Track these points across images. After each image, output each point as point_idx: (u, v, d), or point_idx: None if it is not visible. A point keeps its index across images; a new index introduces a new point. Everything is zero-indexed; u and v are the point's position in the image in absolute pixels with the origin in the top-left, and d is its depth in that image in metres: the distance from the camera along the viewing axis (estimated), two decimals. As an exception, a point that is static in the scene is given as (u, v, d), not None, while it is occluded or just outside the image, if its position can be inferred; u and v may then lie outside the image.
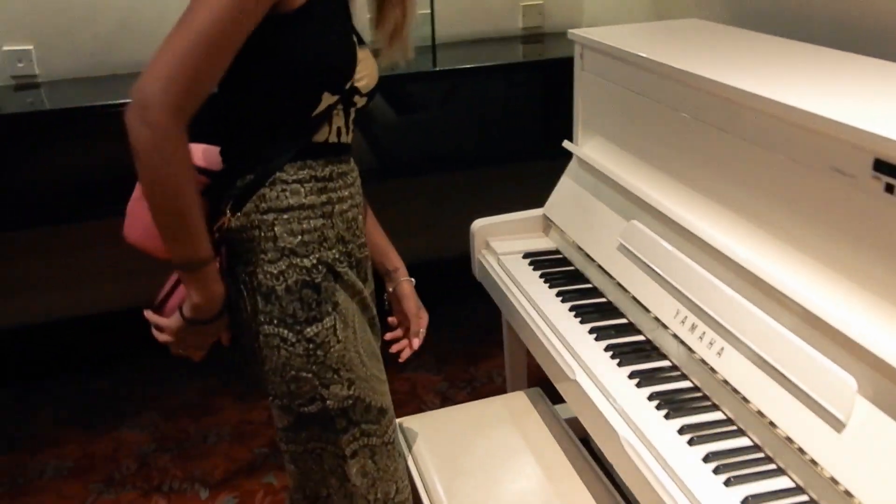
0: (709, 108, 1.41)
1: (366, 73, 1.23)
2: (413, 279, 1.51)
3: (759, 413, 1.20)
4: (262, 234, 1.18)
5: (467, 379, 1.98)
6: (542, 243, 1.92)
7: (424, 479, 1.51)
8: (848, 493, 1.04)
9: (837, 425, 1.07)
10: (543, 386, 1.73)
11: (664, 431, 1.24)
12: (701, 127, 1.45)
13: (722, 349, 1.30)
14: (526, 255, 1.86)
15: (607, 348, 1.47)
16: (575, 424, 1.62)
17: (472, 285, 1.98)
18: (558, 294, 1.68)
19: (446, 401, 2.36)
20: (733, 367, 1.27)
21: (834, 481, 1.06)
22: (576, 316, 1.59)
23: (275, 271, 1.18)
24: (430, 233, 2.92)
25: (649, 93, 1.61)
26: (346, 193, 1.25)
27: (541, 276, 1.76)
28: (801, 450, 1.12)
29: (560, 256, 1.84)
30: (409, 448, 1.60)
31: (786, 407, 1.15)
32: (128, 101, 1.02)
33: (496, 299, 1.85)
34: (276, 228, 1.18)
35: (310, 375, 1.19)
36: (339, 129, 1.22)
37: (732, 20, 2.00)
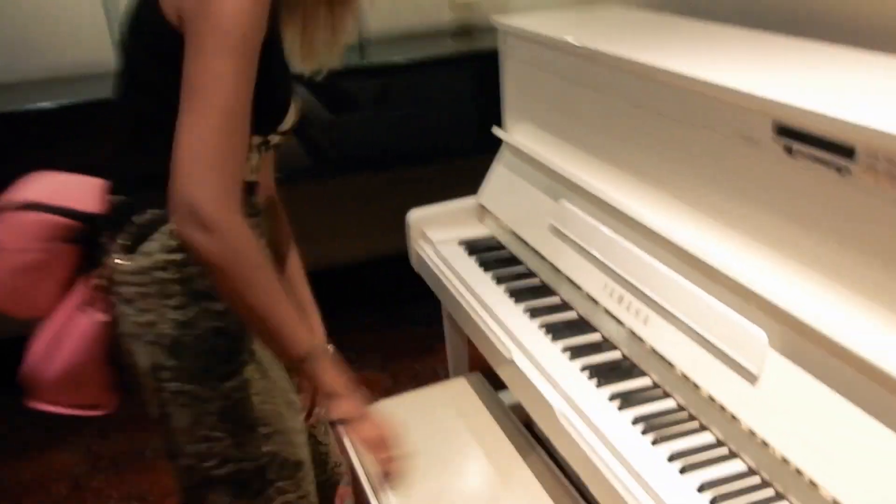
0: (626, 87, 1.46)
1: (292, 112, 1.16)
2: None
3: (683, 376, 1.24)
4: (170, 276, 1.04)
5: (412, 374, 1.99)
6: (478, 230, 1.95)
7: (367, 469, 1.52)
8: (764, 443, 1.09)
9: (751, 378, 1.12)
10: (486, 375, 1.75)
11: (595, 400, 1.28)
12: (619, 105, 1.50)
13: (647, 318, 1.34)
14: (461, 243, 1.89)
15: (541, 326, 1.50)
16: (518, 410, 1.65)
17: (415, 282, 1.99)
18: (493, 278, 1.71)
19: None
20: (658, 335, 1.31)
21: (752, 433, 1.11)
22: (511, 297, 1.62)
23: (183, 319, 1.04)
24: (368, 231, 2.93)
25: (571, 76, 1.65)
26: (258, 232, 1.15)
27: (476, 262, 1.79)
28: (721, 407, 1.16)
29: (495, 242, 1.88)
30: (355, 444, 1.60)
31: (705, 366, 1.20)
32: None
33: (434, 288, 1.87)
34: (188, 269, 1.04)
35: (224, 434, 1.08)
36: (252, 166, 1.14)
37: (650, 4, 2.06)
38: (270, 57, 1.00)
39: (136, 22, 1.05)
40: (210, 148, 0.90)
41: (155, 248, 1.05)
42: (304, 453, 1.17)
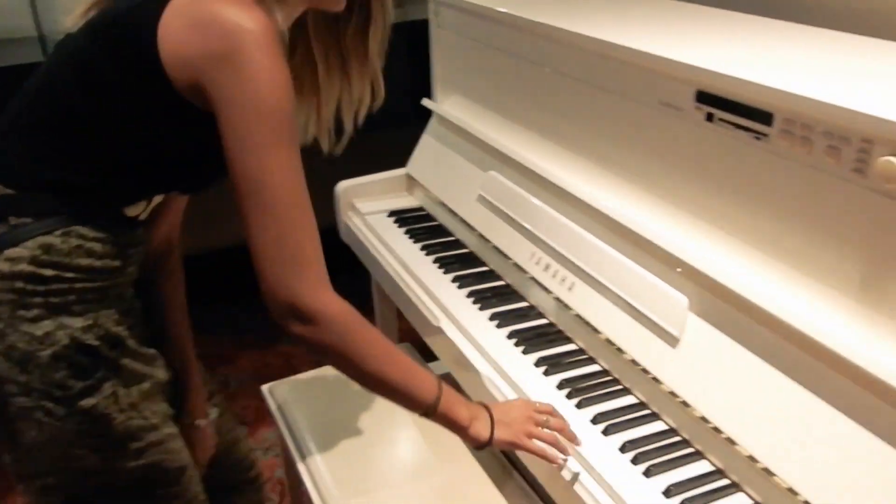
0: (554, 56, 1.47)
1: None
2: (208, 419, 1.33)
3: (608, 341, 1.26)
4: (31, 288, 0.96)
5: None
6: (407, 201, 1.94)
7: (298, 442, 1.49)
8: (685, 404, 1.12)
9: (672, 341, 1.14)
10: (416, 347, 1.75)
11: (522, 366, 1.29)
12: (547, 75, 1.50)
13: (573, 285, 1.36)
14: (391, 214, 1.87)
15: (469, 294, 1.51)
16: (448, 380, 1.65)
17: (345, 256, 1.96)
18: (422, 248, 1.70)
19: (322, 371, 2.34)
20: (583, 301, 1.33)
21: (673, 394, 1.14)
22: (440, 267, 1.62)
23: (38, 333, 0.96)
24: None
25: (499, 45, 1.65)
26: (132, 270, 1.09)
27: (405, 233, 1.77)
28: (644, 370, 1.19)
29: (424, 213, 1.87)
30: (282, 413, 1.58)
31: (628, 331, 1.22)
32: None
33: (363, 259, 1.85)
34: (52, 284, 0.97)
35: (85, 452, 1.00)
36: (152, 208, 1.10)
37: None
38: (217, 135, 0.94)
39: (114, 42, 0.95)
40: (290, 246, 0.91)
41: (23, 257, 0.96)
42: (185, 456, 1.12)
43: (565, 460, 1.07)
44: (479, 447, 1.08)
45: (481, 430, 1.06)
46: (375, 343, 1.00)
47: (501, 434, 1.06)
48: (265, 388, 1.65)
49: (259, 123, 0.89)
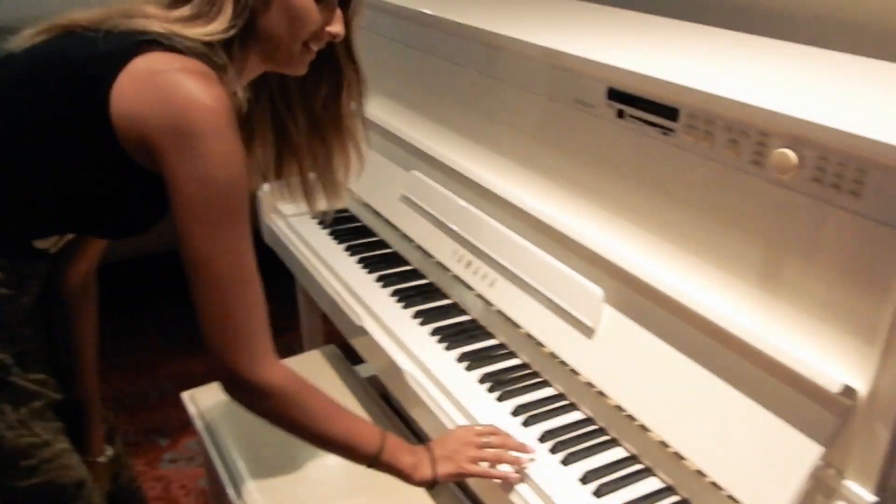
0: (472, 56, 1.49)
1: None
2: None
3: (528, 335, 1.29)
4: None
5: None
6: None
7: (220, 450, 1.46)
8: (601, 394, 1.14)
9: (589, 332, 1.17)
10: (343, 351, 1.74)
11: (445, 362, 1.30)
12: (466, 75, 1.52)
13: (494, 281, 1.38)
14: (314, 216, 1.86)
15: (393, 293, 1.51)
16: (375, 383, 1.65)
17: (269, 259, 1.94)
18: (346, 249, 1.70)
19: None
20: (504, 297, 1.35)
21: (590, 385, 1.16)
22: (363, 267, 1.62)
23: None
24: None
25: (419, 45, 1.66)
26: (27, 300, 1.06)
27: (329, 234, 1.76)
28: (562, 362, 1.21)
29: (348, 214, 1.86)
30: (204, 421, 1.55)
31: (547, 324, 1.25)
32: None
33: (286, 261, 1.83)
34: None
35: None
36: (64, 243, 1.07)
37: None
38: (154, 193, 0.94)
39: (63, 84, 0.92)
40: (234, 321, 0.93)
41: None
42: (82, 471, 1.09)
43: (518, 473, 1.07)
44: (427, 487, 1.10)
45: (425, 471, 1.07)
46: (317, 407, 1.03)
47: (444, 469, 1.08)
48: (186, 395, 1.62)
49: (209, 202, 0.89)
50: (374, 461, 1.05)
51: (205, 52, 0.92)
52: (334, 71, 1.12)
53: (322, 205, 1.25)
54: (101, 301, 1.27)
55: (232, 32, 0.94)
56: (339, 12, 1.03)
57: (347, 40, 1.09)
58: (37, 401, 1.03)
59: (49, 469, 1.02)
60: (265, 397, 0.97)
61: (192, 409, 1.57)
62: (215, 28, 0.93)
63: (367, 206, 1.80)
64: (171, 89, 0.87)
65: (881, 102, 0.95)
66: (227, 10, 0.94)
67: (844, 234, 0.86)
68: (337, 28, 1.02)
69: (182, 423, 2.20)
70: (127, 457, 1.35)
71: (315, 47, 1.03)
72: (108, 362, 2.52)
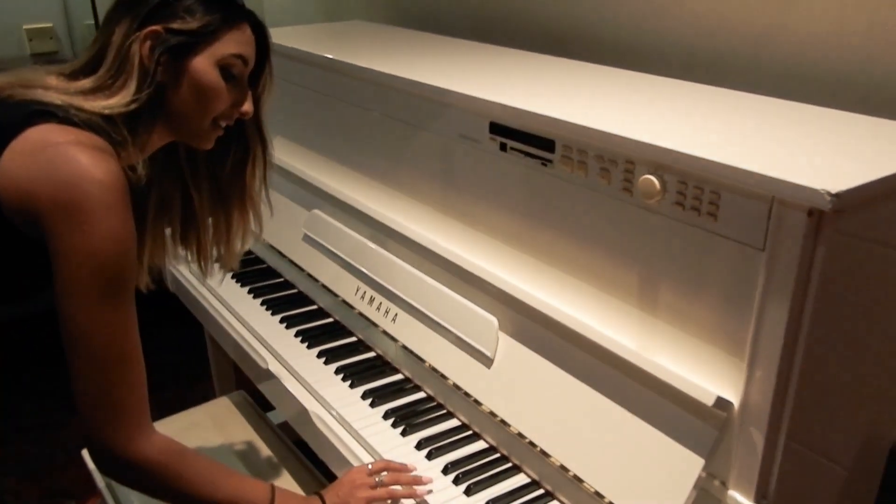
0: (363, 95, 1.51)
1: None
2: None
3: (432, 368, 1.30)
4: None
5: (182, 402, 1.91)
6: (235, 246, 1.90)
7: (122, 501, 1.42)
8: (504, 422, 1.16)
9: (487, 362, 1.19)
10: (255, 398, 1.71)
11: (349, 401, 1.30)
12: (359, 113, 1.54)
13: (396, 315, 1.39)
14: (219, 263, 1.83)
15: (297, 334, 1.50)
16: (287, 429, 1.62)
17: (177, 307, 1.90)
18: (250, 292, 1.68)
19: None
20: (406, 330, 1.36)
21: (492, 414, 1.18)
22: (267, 309, 1.60)
23: None
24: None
25: (316, 87, 1.68)
26: None
27: (233, 278, 1.74)
28: (466, 393, 1.23)
29: (252, 256, 1.84)
30: (106, 480, 1.49)
31: (447, 356, 1.26)
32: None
33: (191, 308, 1.80)
34: None
35: None
36: None
37: (392, 20, 2.15)
38: (34, 262, 0.93)
39: None
40: (111, 398, 0.91)
41: None
42: None
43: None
44: None
45: None
46: (199, 474, 1.01)
47: None
48: (86, 452, 1.56)
49: (92, 277, 0.88)
50: None
51: (102, 126, 0.92)
52: (241, 144, 1.13)
53: (215, 272, 1.27)
54: (1, 362, 1.22)
55: (134, 107, 0.95)
56: (248, 91, 1.04)
57: (256, 116, 1.10)
58: None
59: None
60: (143, 471, 0.96)
61: (91, 467, 1.51)
62: (117, 102, 0.94)
63: (270, 247, 1.79)
64: (60, 161, 0.87)
65: (736, 131, 1.01)
66: (131, 86, 0.94)
67: (707, 254, 0.91)
68: (247, 107, 1.05)
69: (89, 486, 2.11)
70: None
71: (224, 124, 1.05)
72: (10, 424, 2.41)
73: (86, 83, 0.94)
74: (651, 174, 0.94)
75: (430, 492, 1.08)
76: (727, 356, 0.93)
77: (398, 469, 1.11)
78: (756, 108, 1.13)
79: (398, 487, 1.09)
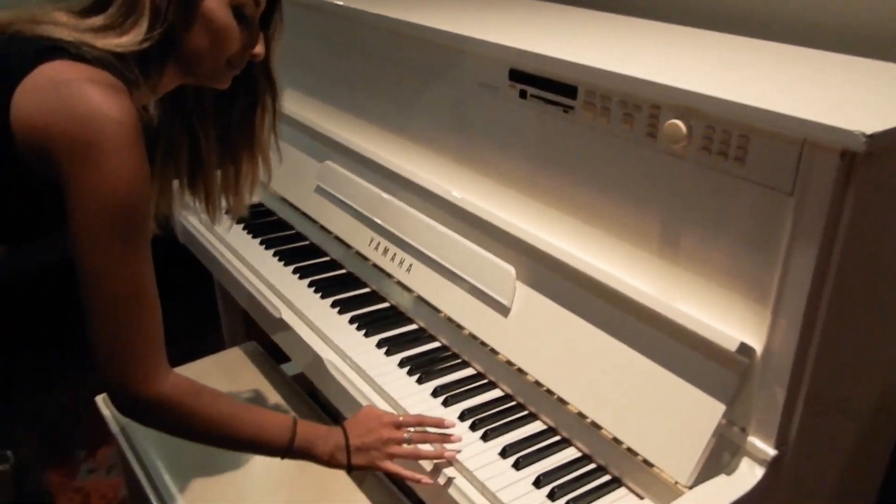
0: (379, 44, 1.49)
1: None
2: None
3: (448, 318, 1.30)
4: None
5: (191, 356, 1.92)
6: (246, 198, 1.89)
7: (139, 453, 1.42)
8: (520, 371, 1.16)
9: (504, 311, 1.19)
10: (267, 349, 1.71)
11: (364, 349, 1.30)
12: (374, 63, 1.52)
13: (411, 266, 1.38)
14: (229, 211, 1.82)
15: (310, 284, 1.50)
16: (301, 380, 1.63)
17: (188, 259, 1.89)
18: (262, 243, 1.67)
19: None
20: (422, 281, 1.35)
21: (509, 363, 1.18)
22: (280, 260, 1.60)
23: None
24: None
25: (328, 37, 1.65)
26: None
27: (244, 229, 1.73)
28: (482, 343, 1.23)
29: (264, 208, 1.84)
30: (121, 427, 1.50)
31: (464, 306, 1.26)
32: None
33: (202, 259, 1.79)
34: None
35: None
36: None
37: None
38: (45, 203, 0.92)
39: None
40: (124, 338, 0.91)
41: None
42: None
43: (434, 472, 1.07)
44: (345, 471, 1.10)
45: (341, 460, 1.07)
46: (217, 411, 1.01)
47: (359, 461, 1.07)
48: (100, 399, 1.56)
49: (106, 218, 0.87)
50: (287, 452, 1.05)
51: (114, 64, 0.90)
52: (250, 89, 1.12)
53: (224, 219, 1.26)
54: (6, 314, 1.22)
55: (146, 45, 0.92)
56: (260, 33, 1.03)
57: (266, 60, 1.09)
58: None
59: None
60: (160, 410, 0.96)
61: (106, 413, 1.53)
62: (129, 40, 0.91)
63: (282, 199, 1.78)
64: (75, 99, 0.85)
65: (763, 76, 0.99)
66: (143, 24, 0.92)
67: (733, 200, 0.90)
68: (259, 49, 1.03)
69: (100, 434, 2.13)
70: (32, 462, 1.30)
71: (237, 65, 1.03)
72: (21, 377, 2.43)
73: (96, 20, 0.92)
74: (677, 119, 0.92)
75: (458, 451, 1.07)
76: (750, 303, 0.92)
77: (433, 424, 1.10)
78: (784, 56, 1.11)
79: (427, 446, 1.07)
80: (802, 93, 0.90)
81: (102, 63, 0.89)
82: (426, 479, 1.05)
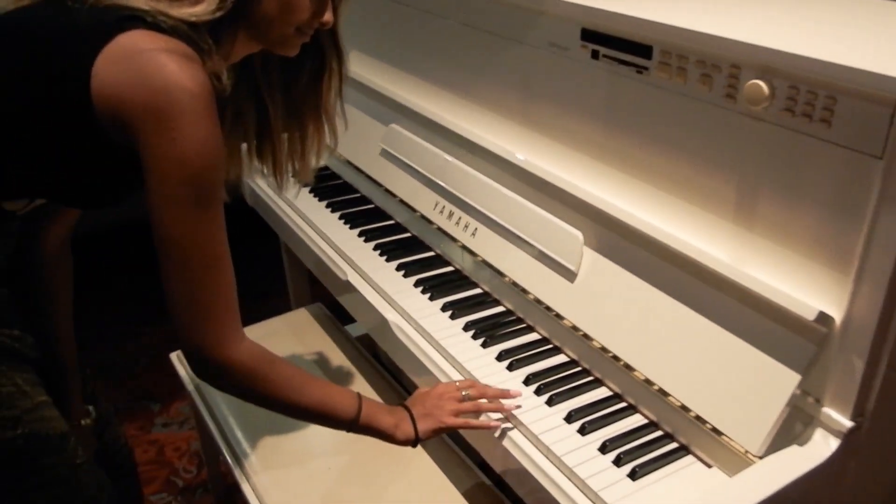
0: (444, 3, 1.47)
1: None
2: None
3: (512, 283, 1.29)
4: None
5: (255, 317, 1.98)
6: (311, 161, 1.91)
7: (212, 411, 1.48)
8: (585, 336, 1.16)
9: (570, 276, 1.18)
10: (333, 311, 1.74)
11: (429, 311, 1.31)
12: (441, 23, 1.50)
13: (476, 230, 1.38)
14: (295, 176, 1.84)
15: (376, 247, 1.51)
16: (364, 342, 1.66)
17: (253, 222, 1.93)
18: (328, 206, 1.69)
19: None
20: (486, 245, 1.35)
21: (574, 328, 1.17)
22: (345, 223, 1.61)
23: None
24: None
25: (395, -2, 1.64)
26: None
27: (310, 192, 1.76)
28: (547, 308, 1.22)
29: (329, 172, 1.85)
30: (194, 382, 1.56)
31: (529, 270, 1.25)
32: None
33: (269, 222, 1.82)
34: None
35: None
36: (34, 207, 1.06)
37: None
38: (125, 168, 0.94)
39: (42, 56, 0.91)
40: (202, 302, 0.93)
41: None
42: (63, 425, 1.08)
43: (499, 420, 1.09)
44: (411, 445, 1.11)
45: (407, 430, 1.09)
46: (288, 380, 1.03)
47: (426, 425, 1.09)
48: (174, 356, 1.62)
49: (183, 185, 0.89)
50: (352, 425, 1.07)
51: (188, 34, 0.91)
52: (317, 56, 1.12)
53: (291, 187, 1.27)
54: (81, 272, 1.26)
55: (219, 14, 0.93)
56: (328, 0, 1.03)
57: (333, 27, 1.09)
58: (12, 353, 1.03)
59: (31, 420, 1.02)
60: (234, 375, 0.98)
61: (181, 370, 1.58)
62: (203, 9, 0.92)
63: (347, 162, 1.79)
64: (151, 69, 0.86)
65: (848, 32, 0.94)
66: None
67: (817, 163, 0.87)
68: (328, 16, 1.03)
69: (173, 389, 2.22)
70: (111, 415, 1.36)
71: (306, 32, 1.03)
72: (97, 330, 2.54)
73: None
74: (759, 79, 0.89)
75: (518, 406, 1.08)
76: (829, 271, 0.89)
77: (484, 386, 1.12)
78: (874, 10, 1.05)
79: (485, 401, 1.10)
80: (894, 49, 0.85)
81: (177, 32, 0.90)
82: (494, 424, 1.07)
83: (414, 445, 1.11)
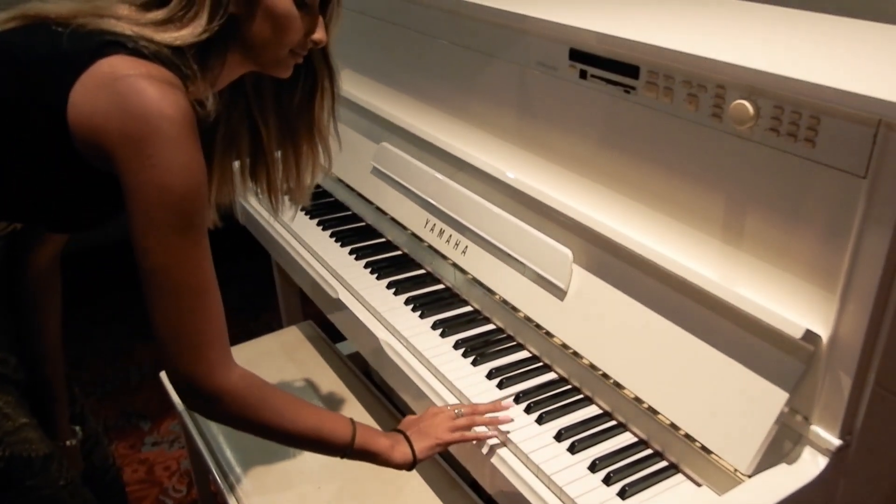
0: (436, 24, 1.48)
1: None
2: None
3: (503, 301, 1.30)
4: None
5: (247, 332, 1.97)
6: (303, 179, 1.92)
7: (202, 431, 1.47)
8: (576, 354, 1.16)
9: (560, 294, 1.18)
10: (325, 329, 1.74)
11: (419, 329, 1.31)
12: (432, 43, 1.51)
13: (466, 248, 1.38)
14: (291, 198, 1.85)
15: (367, 265, 1.51)
16: (356, 360, 1.65)
17: (244, 240, 1.93)
18: (319, 224, 1.69)
19: (228, 356, 2.29)
20: (477, 263, 1.36)
21: (564, 346, 1.18)
22: (336, 241, 1.62)
23: None
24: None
25: (385, 16, 1.65)
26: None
27: (301, 210, 1.76)
28: (537, 325, 1.23)
29: (321, 190, 1.86)
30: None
31: (519, 288, 1.26)
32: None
33: (261, 240, 1.83)
34: None
35: None
36: (9, 229, 1.06)
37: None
38: (105, 194, 0.94)
39: (23, 80, 0.91)
40: (189, 330, 0.92)
41: None
42: (47, 446, 1.07)
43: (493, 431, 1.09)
44: (407, 468, 1.10)
45: (405, 450, 1.08)
46: (281, 408, 1.01)
47: (422, 444, 1.09)
48: (164, 374, 1.61)
49: (165, 212, 0.88)
50: (347, 451, 1.05)
51: (170, 59, 0.91)
52: (309, 76, 1.11)
53: (287, 210, 1.26)
54: (71, 290, 1.25)
55: (205, 37, 0.93)
56: (320, 19, 1.03)
57: (324, 46, 1.08)
58: None
59: (13, 442, 1.01)
60: (225, 404, 0.96)
61: (170, 388, 1.57)
62: (188, 33, 0.92)
63: (338, 180, 1.80)
64: (130, 95, 0.86)
65: (834, 54, 0.96)
66: (203, 16, 0.92)
67: (802, 182, 0.87)
68: (319, 35, 1.03)
69: (163, 407, 2.21)
70: (100, 435, 1.34)
71: (300, 53, 1.03)
72: (87, 348, 2.52)
73: (158, 14, 0.93)
74: (744, 99, 0.90)
75: (511, 420, 1.08)
76: (816, 289, 0.90)
77: (475, 404, 1.12)
78: (857, 32, 1.07)
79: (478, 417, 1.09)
80: (877, 71, 0.87)
81: (159, 58, 0.90)
82: (492, 433, 1.07)
83: (411, 468, 1.10)
